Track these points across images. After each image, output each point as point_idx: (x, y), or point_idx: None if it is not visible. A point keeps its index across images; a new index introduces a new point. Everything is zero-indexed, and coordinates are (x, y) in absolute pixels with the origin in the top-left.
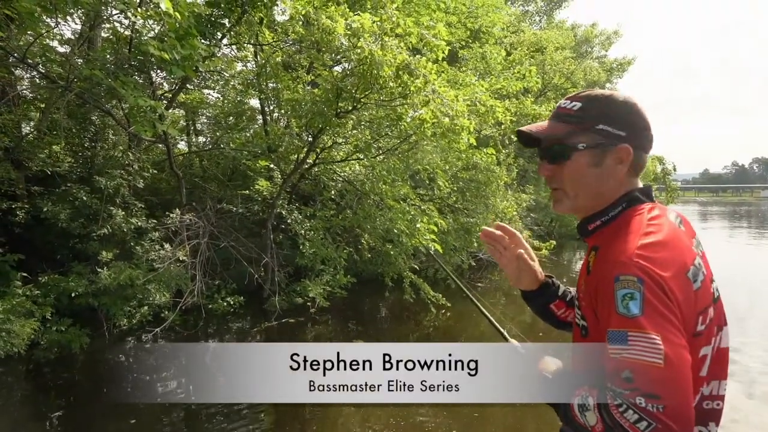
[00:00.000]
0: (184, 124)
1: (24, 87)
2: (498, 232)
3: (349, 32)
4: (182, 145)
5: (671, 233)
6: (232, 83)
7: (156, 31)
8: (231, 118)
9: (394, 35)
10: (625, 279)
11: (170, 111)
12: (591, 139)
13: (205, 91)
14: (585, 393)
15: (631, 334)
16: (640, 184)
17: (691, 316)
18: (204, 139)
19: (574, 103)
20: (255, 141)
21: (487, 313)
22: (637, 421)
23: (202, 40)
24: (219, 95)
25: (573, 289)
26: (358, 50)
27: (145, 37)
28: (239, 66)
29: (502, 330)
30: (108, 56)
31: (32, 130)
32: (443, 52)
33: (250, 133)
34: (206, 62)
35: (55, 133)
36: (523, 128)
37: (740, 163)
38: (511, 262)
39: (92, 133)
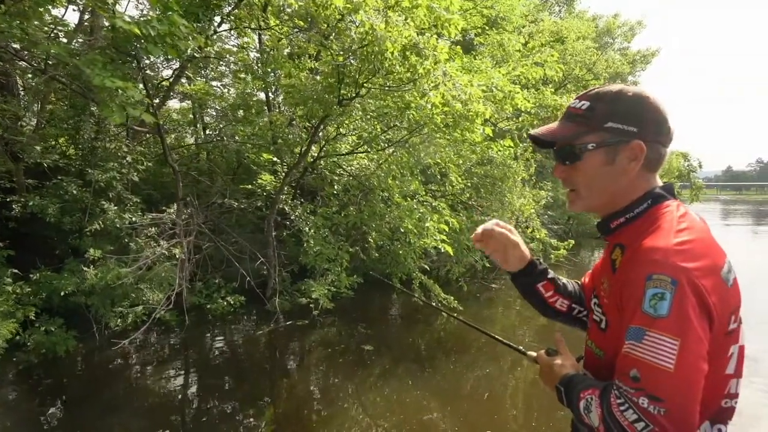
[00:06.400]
0: (191, 116)
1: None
2: (481, 230)
3: (349, 6)
4: (192, 139)
5: (703, 232)
6: (240, 75)
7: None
8: (240, 111)
9: (400, 10)
10: (657, 278)
11: (169, 101)
12: (601, 138)
13: (214, 83)
14: (590, 394)
15: (649, 334)
16: (660, 181)
17: (725, 316)
18: (211, 132)
19: (582, 102)
20: (258, 133)
21: (501, 338)
22: (635, 421)
23: (197, 23)
24: (226, 87)
25: (572, 282)
26: (360, 28)
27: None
28: (241, 53)
29: (519, 348)
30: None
31: (28, 119)
32: (456, 28)
33: (255, 126)
34: (191, 42)
35: (51, 123)
36: (533, 132)
37: (765, 161)
38: (498, 244)
39: (92, 124)
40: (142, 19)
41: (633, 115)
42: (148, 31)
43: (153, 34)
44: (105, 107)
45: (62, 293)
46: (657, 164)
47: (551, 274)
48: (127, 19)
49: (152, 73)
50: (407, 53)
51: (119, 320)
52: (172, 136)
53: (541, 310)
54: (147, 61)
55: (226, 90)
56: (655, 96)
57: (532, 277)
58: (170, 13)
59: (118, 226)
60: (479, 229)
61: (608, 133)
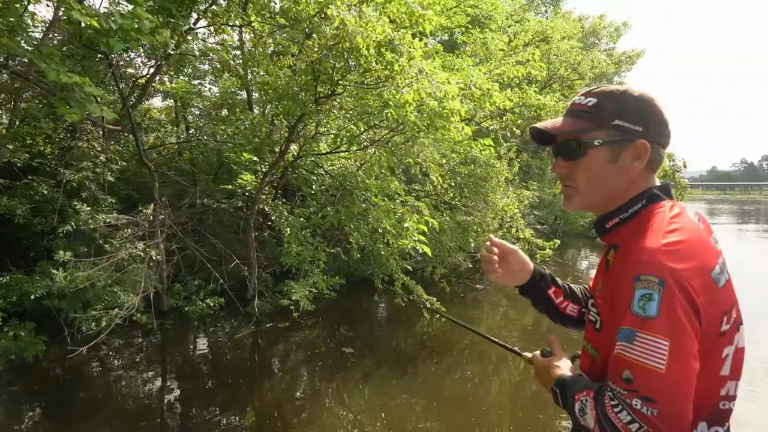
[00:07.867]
0: (174, 115)
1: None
2: (495, 250)
3: (321, 0)
4: (174, 138)
5: (694, 232)
6: (220, 74)
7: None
8: (225, 110)
9: (374, 4)
10: (645, 279)
11: (150, 99)
12: (607, 135)
13: (195, 81)
14: (584, 396)
15: (639, 335)
16: (658, 182)
17: (715, 317)
18: (194, 131)
19: (588, 99)
20: (236, 131)
21: (496, 340)
22: (629, 423)
23: (170, 19)
24: (208, 86)
25: (578, 286)
26: (332, 24)
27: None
28: (223, 50)
29: (514, 348)
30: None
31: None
32: (431, 24)
33: (234, 125)
34: (158, 37)
35: (25, 121)
36: (537, 124)
37: (749, 161)
38: (506, 267)
39: (67, 124)
40: (103, 12)
41: (639, 115)
42: (109, 25)
43: (114, 28)
44: (61, 104)
45: (32, 296)
46: (657, 165)
47: (557, 279)
48: (84, 12)
49: (133, 71)
50: (382, 50)
51: (93, 324)
52: (153, 135)
53: (554, 318)
54: (127, 58)
55: (208, 89)
56: (658, 99)
57: (542, 284)
58: (134, 6)
59: (91, 227)
60: (491, 250)
61: (615, 131)
